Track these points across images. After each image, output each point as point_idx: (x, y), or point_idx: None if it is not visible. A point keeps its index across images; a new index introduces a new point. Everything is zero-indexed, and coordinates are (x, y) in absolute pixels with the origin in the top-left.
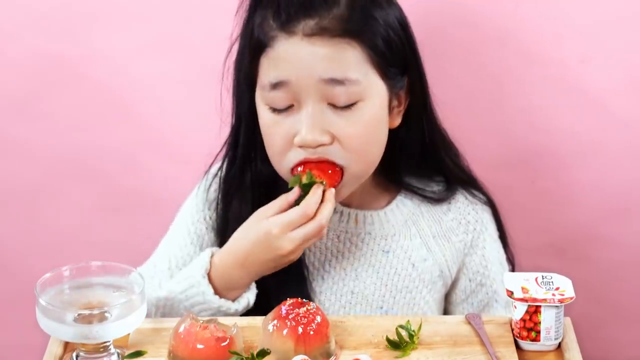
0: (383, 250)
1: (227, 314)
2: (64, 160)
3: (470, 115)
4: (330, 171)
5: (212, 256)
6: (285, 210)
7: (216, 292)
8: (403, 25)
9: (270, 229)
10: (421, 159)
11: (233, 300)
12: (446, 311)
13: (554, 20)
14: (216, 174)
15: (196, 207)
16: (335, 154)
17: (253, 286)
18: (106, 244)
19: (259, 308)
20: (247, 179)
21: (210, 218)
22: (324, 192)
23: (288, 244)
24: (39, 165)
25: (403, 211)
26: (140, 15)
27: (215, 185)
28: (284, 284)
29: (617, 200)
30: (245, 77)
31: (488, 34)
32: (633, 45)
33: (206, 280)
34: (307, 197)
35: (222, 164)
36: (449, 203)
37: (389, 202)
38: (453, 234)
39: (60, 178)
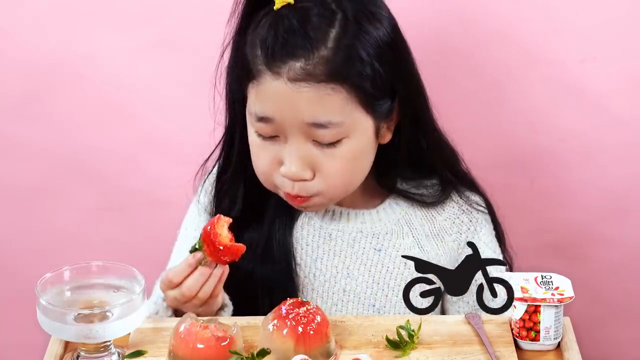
0: (375, 249)
1: None
2: (64, 160)
3: (470, 115)
4: (222, 248)
5: None
6: (183, 270)
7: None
8: (392, 46)
9: (160, 282)
10: (415, 166)
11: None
12: (443, 309)
13: (554, 20)
14: (210, 171)
15: (194, 216)
16: (312, 187)
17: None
18: (106, 244)
19: (249, 305)
20: (240, 180)
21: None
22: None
23: (168, 301)
24: (39, 165)
25: (396, 210)
26: (140, 16)
27: (211, 179)
28: (273, 282)
29: (616, 200)
30: (238, 85)
31: (488, 34)
32: (633, 45)
33: (165, 304)
34: (176, 267)
35: (217, 162)
36: (443, 203)
37: (381, 202)
38: (446, 234)
39: (60, 178)
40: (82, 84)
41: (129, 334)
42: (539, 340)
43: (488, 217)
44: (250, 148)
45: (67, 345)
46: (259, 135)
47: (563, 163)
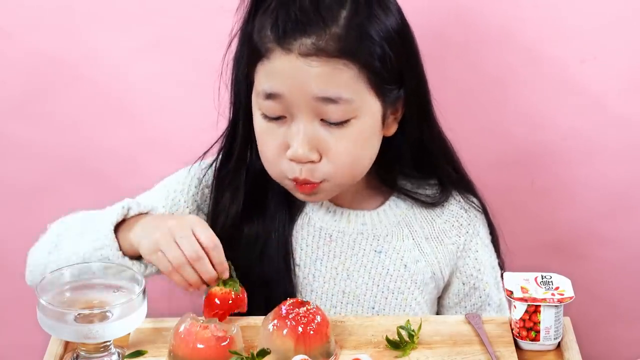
0: (375, 251)
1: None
2: (64, 160)
3: (470, 115)
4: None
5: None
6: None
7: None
8: (401, 34)
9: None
10: (417, 163)
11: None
12: (439, 314)
13: (554, 20)
14: (211, 165)
15: (184, 180)
16: (320, 170)
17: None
18: None
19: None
20: (242, 172)
21: (195, 201)
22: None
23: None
24: (39, 165)
25: (396, 212)
26: (139, 15)
27: (209, 176)
28: (270, 281)
29: (616, 199)
30: (244, 75)
31: (488, 34)
32: (633, 45)
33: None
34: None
35: (218, 155)
36: (443, 206)
37: (382, 203)
38: (446, 237)
39: (60, 178)
40: (82, 83)
41: (129, 334)
42: (539, 340)
43: (485, 220)
44: (256, 135)
45: (67, 345)
46: (265, 117)
47: (563, 163)
